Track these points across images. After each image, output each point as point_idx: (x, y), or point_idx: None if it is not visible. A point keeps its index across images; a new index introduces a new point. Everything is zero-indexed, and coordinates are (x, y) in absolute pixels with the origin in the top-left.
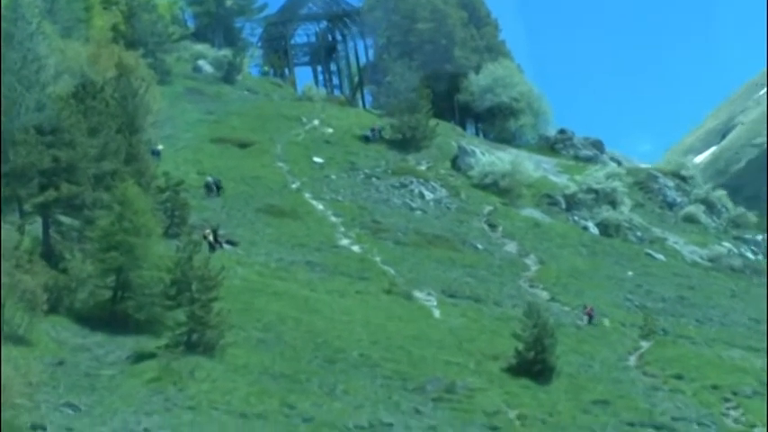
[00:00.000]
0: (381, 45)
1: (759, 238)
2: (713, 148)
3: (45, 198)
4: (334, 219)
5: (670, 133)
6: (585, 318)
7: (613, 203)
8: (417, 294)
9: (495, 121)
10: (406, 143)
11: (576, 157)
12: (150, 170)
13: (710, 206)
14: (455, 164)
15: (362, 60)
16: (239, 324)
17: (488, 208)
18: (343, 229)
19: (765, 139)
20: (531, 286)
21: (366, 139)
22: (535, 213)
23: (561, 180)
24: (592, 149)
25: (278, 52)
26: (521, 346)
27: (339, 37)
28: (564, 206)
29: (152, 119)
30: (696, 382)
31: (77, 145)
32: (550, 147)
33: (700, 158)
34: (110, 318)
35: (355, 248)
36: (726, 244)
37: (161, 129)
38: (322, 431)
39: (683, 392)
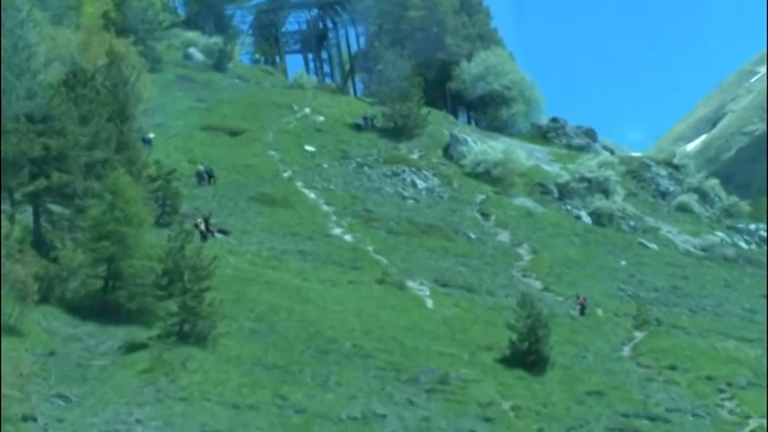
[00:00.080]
0: (372, 33)
1: (752, 227)
2: (704, 137)
3: (36, 187)
4: (326, 208)
5: (661, 121)
6: (578, 308)
7: (606, 193)
8: (410, 284)
9: (487, 110)
10: (397, 131)
11: (569, 146)
12: (141, 159)
13: (703, 195)
14: (447, 152)
15: (353, 48)
16: (231, 314)
17: (481, 197)
18: (335, 218)
19: (756, 127)
20: (524, 276)
21: (358, 128)
22: (528, 202)
23: (554, 169)
24: (584, 138)
25: (269, 40)
26: (514, 337)
27: (330, 24)
28: (556, 195)
29: (143, 107)
30: (690, 373)
31: (68, 133)
32: (543, 135)
33: (690, 146)
34: (101, 308)
35: (347, 237)
36: (719, 233)
37: (152, 117)
38: (315, 422)
39: (677, 383)
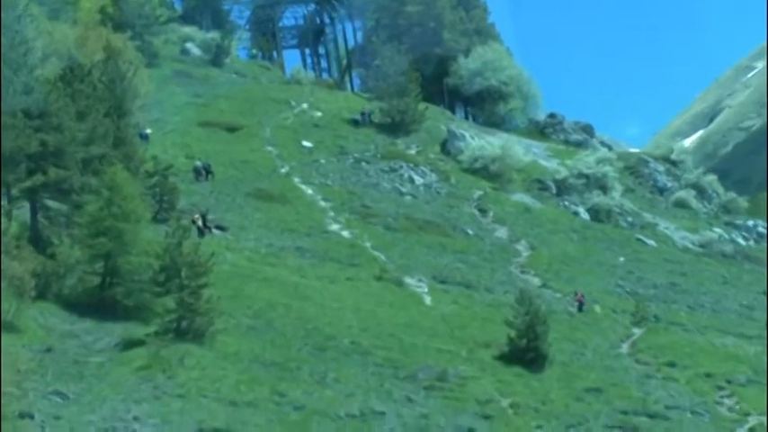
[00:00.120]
0: (370, 28)
1: (750, 223)
2: (700, 132)
3: (33, 183)
4: (323, 203)
5: (657, 117)
6: (576, 305)
7: (604, 189)
8: (408, 281)
9: (484, 105)
10: (395, 127)
11: (566, 142)
12: (138, 154)
13: (701, 191)
14: (445, 148)
15: (350, 43)
16: (229, 311)
17: (478, 193)
18: (332, 214)
19: (753, 122)
20: (523, 272)
21: (355, 123)
22: (525, 198)
23: (551, 165)
24: (582, 134)
25: (266, 35)
26: (513, 334)
27: (327, 20)
28: (554, 191)
29: (140, 102)
30: (689, 370)
31: (65, 129)
32: (540, 131)
33: (687, 142)
34: (98, 304)
35: (345, 234)
36: (717, 229)
37: (149, 112)
38: (313, 419)
39: (676, 380)
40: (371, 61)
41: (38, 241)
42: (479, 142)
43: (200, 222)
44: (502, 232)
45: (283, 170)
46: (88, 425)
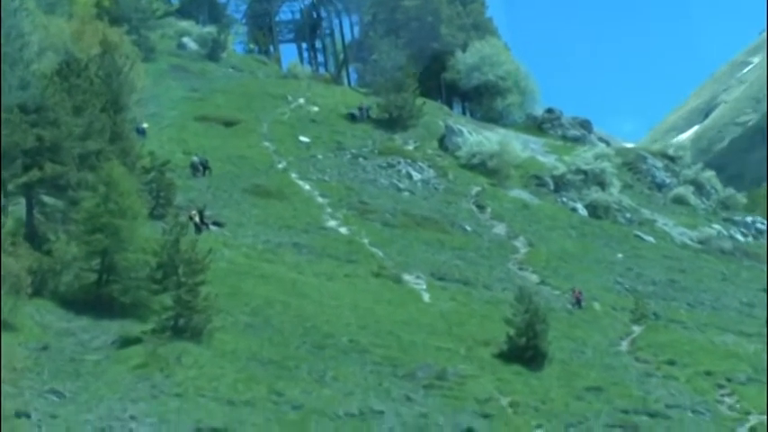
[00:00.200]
0: (367, 22)
1: (749, 219)
2: (696, 127)
3: (29, 178)
4: (320, 199)
5: (653, 112)
6: (574, 301)
7: (602, 185)
8: (406, 277)
9: (482, 100)
10: (392, 122)
11: (564, 137)
12: (135, 149)
13: (699, 187)
14: (442, 143)
15: (347, 38)
16: (226, 308)
17: (476, 189)
18: (330, 210)
19: (749, 118)
20: (521, 269)
21: (353, 118)
22: (523, 194)
23: (549, 160)
24: (580, 129)
25: (263, 29)
26: (512, 332)
27: (324, 14)
28: (552, 187)
29: (136, 97)
30: (689, 368)
31: (62, 124)
32: (538, 126)
33: (683, 137)
34: (95, 301)
35: (343, 230)
36: (715, 226)
37: (145, 107)
38: (311, 419)
39: (676, 379)
40: (368, 56)
41: (34, 237)
42: (477, 138)
43: (197, 218)
44: (500, 228)
45: (280, 166)
46: (85, 424)
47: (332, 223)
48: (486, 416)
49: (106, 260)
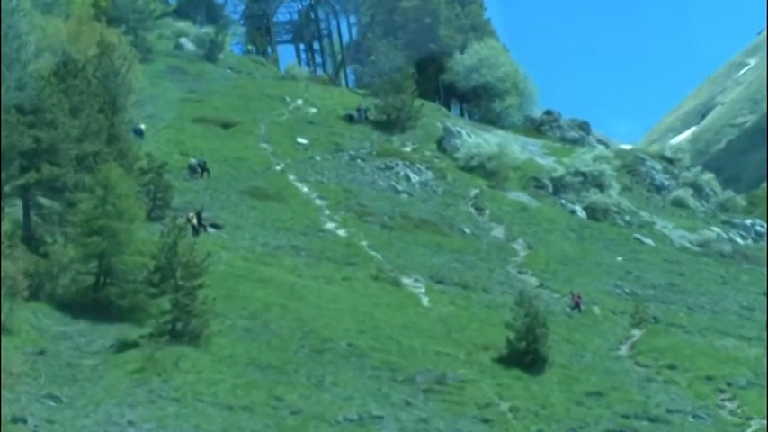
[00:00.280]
0: (365, 23)
1: (748, 222)
2: (693, 129)
3: (26, 180)
4: (319, 202)
5: (650, 114)
6: (573, 304)
7: (601, 187)
8: (405, 281)
9: (480, 102)
10: (390, 124)
11: (563, 139)
12: (132, 151)
13: (698, 189)
14: (441, 145)
15: (345, 39)
16: (224, 312)
17: (475, 191)
18: (328, 212)
19: (746, 119)
20: (520, 272)
21: (350, 119)
22: (522, 197)
23: (548, 162)
24: (578, 131)
25: (260, 30)
26: (512, 336)
27: (322, 15)
28: (551, 189)
29: (134, 98)
30: (690, 373)
31: (59, 125)
32: (536, 128)
33: (680, 138)
34: (92, 305)
35: (341, 233)
36: (715, 228)
37: (143, 108)
38: (310, 424)
39: (677, 383)
40: (366, 57)
41: (31, 240)
42: (476, 140)
43: (194, 221)
44: (499, 231)
45: (278, 167)
46: (82, 429)
47: (330, 226)
48: (486, 421)
49: (103, 263)
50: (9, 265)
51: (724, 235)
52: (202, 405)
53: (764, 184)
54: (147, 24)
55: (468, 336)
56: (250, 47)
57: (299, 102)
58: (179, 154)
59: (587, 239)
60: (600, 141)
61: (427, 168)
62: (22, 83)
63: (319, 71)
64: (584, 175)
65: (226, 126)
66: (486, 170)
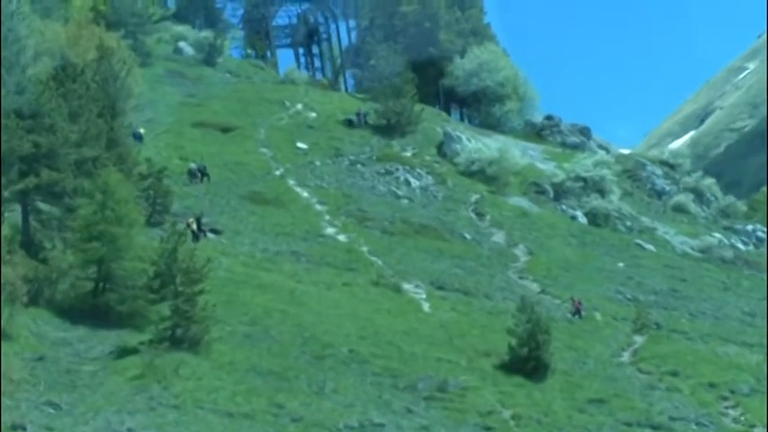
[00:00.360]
0: (364, 27)
1: (749, 227)
2: (692, 133)
3: (25, 185)
4: (318, 207)
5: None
6: (573, 310)
7: (602, 192)
8: (406, 286)
9: (480, 107)
10: (390, 129)
11: (563, 144)
12: (132, 156)
13: (699, 195)
14: (441, 150)
15: (345, 43)
16: (224, 318)
17: (475, 196)
18: (328, 217)
19: (745, 123)
20: (521, 278)
21: (350, 124)
22: (523, 202)
23: (548, 168)
24: (579, 136)
25: (259, 34)
26: (514, 343)
27: (321, 19)
28: (552, 195)
29: (133, 102)
30: (692, 380)
31: (58, 130)
32: (537, 133)
33: (678, 143)
34: (91, 311)
35: (341, 238)
36: (716, 234)
37: (142, 112)
38: (311, 431)
39: (679, 391)
40: (366, 61)
41: (30, 245)
42: (476, 144)
43: (194, 226)
44: (499, 237)
45: (278, 172)
46: None
47: (330, 231)
48: (487, 428)
49: (103, 269)
50: (8, 270)
51: (725, 241)
52: (203, 412)
53: (764, 189)
54: (146, 28)
55: (470, 342)
56: (249, 51)
57: (299, 106)
58: (178, 158)
59: (588, 245)
60: (600, 146)
61: (427, 173)
62: (20, 87)
63: (319, 75)
64: (584, 180)
65: (225, 130)
66: (486, 175)
